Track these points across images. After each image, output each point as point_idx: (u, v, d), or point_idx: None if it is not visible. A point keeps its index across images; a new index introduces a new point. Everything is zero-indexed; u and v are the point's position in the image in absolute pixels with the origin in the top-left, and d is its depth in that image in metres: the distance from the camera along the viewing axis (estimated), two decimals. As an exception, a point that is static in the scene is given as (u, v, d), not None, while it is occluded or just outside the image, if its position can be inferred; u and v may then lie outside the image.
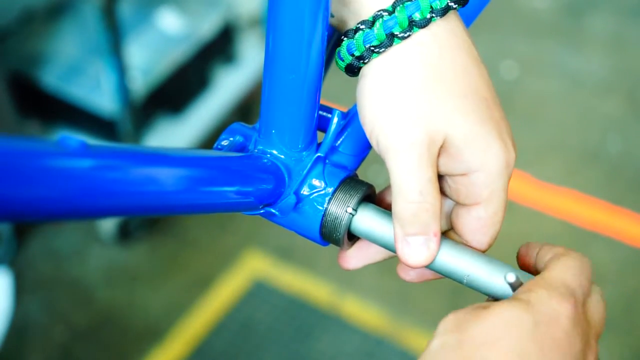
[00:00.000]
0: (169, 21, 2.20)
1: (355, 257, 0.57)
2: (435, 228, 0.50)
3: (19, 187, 0.36)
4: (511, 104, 2.58)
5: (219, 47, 2.30)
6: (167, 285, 2.08)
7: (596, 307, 0.49)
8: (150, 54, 2.12)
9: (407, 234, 0.50)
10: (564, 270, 0.48)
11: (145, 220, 2.15)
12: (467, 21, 0.61)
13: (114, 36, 1.87)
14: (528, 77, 2.73)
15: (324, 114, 0.57)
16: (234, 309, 2.01)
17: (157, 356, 1.92)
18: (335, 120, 0.55)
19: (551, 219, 2.24)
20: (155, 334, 1.96)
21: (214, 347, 1.93)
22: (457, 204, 0.53)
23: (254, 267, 2.11)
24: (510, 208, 2.23)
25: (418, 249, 0.51)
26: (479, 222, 0.52)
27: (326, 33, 0.51)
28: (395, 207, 0.50)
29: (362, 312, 1.99)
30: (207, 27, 2.23)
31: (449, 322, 0.47)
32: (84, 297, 2.04)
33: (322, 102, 0.56)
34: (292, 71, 0.51)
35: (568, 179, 2.37)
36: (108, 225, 2.11)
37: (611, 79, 2.74)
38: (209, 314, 2.00)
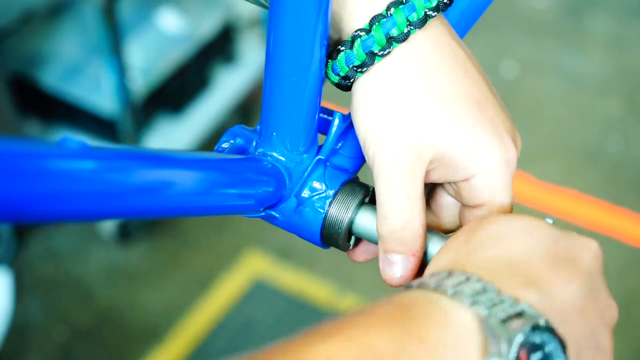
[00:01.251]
0: (169, 21, 2.20)
1: (365, 252, 0.57)
2: (414, 247, 0.50)
3: (19, 188, 0.36)
4: (511, 104, 2.58)
5: (219, 47, 2.30)
6: (167, 285, 2.08)
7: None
8: (150, 54, 2.12)
9: (386, 250, 0.51)
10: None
11: (145, 220, 2.15)
12: (468, 24, 0.61)
13: (114, 36, 1.87)
14: (528, 77, 2.73)
15: (325, 116, 0.57)
16: (234, 309, 2.01)
17: (157, 356, 1.92)
18: (336, 122, 0.55)
19: (551, 219, 2.24)
20: (155, 334, 1.96)
21: (214, 347, 1.93)
22: (463, 205, 0.53)
23: (254, 267, 2.11)
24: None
25: (395, 267, 0.51)
26: None
27: (327, 35, 0.51)
28: (377, 224, 0.51)
29: (362, 312, 1.99)
30: (207, 27, 2.23)
31: (466, 226, 0.48)
32: (84, 297, 2.04)
33: (323, 104, 0.56)
34: (293, 73, 0.51)
35: (568, 179, 2.37)
36: (108, 225, 2.11)
37: (611, 79, 2.74)
38: (209, 314, 2.00)
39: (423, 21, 0.49)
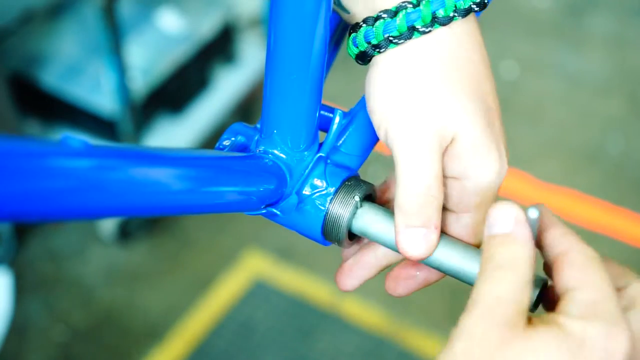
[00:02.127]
0: (169, 21, 2.20)
1: (351, 277, 0.58)
2: (437, 222, 0.50)
3: (21, 187, 0.36)
4: (511, 104, 2.58)
5: (219, 47, 2.30)
6: (167, 285, 2.08)
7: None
8: (150, 54, 2.12)
9: (409, 225, 0.50)
10: (605, 283, 0.42)
11: (146, 220, 2.15)
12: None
13: (114, 36, 1.87)
14: (528, 77, 2.73)
15: (326, 113, 0.57)
16: (234, 309, 2.01)
17: (157, 356, 1.92)
18: (337, 120, 0.55)
19: (551, 219, 2.24)
20: (155, 334, 1.96)
21: (214, 347, 1.93)
22: (445, 209, 0.53)
23: (254, 267, 2.11)
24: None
25: (418, 241, 0.50)
26: (466, 230, 0.52)
27: (328, 33, 0.51)
28: (400, 199, 0.50)
29: (362, 312, 1.99)
30: (207, 27, 2.23)
31: (482, 331, 0.41)
32: (84, 297, 2.04)
33: (324, 102, 0.56)
34: (294, 71, 0.51)
35: (568, 179, 2.37)
36: (108, 225, 2.11)
37: (611, 79, 2.74)
38: (209, 314, 2.00)
39: (467, 11, 0.49)
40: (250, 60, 2.39)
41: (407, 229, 0.50)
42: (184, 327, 1.97)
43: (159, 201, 0.45)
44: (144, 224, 2.16)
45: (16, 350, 1.93)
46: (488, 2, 0.50)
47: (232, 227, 2.19)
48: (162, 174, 0.45)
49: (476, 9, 0.50)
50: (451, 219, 0.52)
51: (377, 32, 0.50)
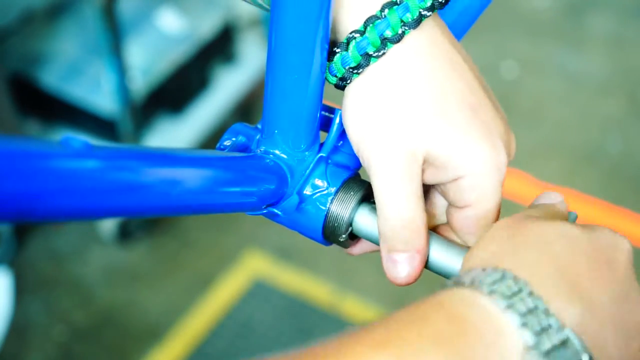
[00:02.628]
0: (169, 21, 2.20)
1: (359, 245, 0.58)
2: (418, 244, 0.50)
3: (22, 187, 0.36)
4: (511, 104, 2.58)
5: (219, 47, 2.30)
6: (167, 285, 2.08)
7: None
8: (150, 54, 2.12)
9: (390, 250, 0.51)
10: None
11: (146, 220, 2.16)
12: (467, 24, 0.61)
13: (114, 36, 1.87)
14: (528, 77, 2.73)
15: (327, 114, 0.57)
16: (234, 309, 2.01)
17: (157, 356, 1.92)
18: (338, 120, 0.55)
19: (551, 219, 2.24)
20: (155, 334, 1.96)
21: (214, 347, 1.93)
22: (449, 205, 0.53)
23: (254, 267, 2.11)
24: (511, 208, 2.23)
25: (400, 266, 0.51)
26: (468, 221, 0.52)
27: (329, 33, 0.51)
28: (378, 225, 0.51)
29: (362, 312, 1.99)
30: (207, 27, 2.23)
31: (503, 222, 0.48)
32: (84, 297, 2.04)
33: (325, 102, 0.56)
34: (295, 71, 0.51)
35: (568, 179, 2.37)
36: (108, 225, 2.11)
37: (611, 79, 2.74)
38: (209, 314, 2.00)
39: (417, 21, 0.49)
40: (250, 60, 2.39)
41: (389, 254, 0.51)
42: (184, 327, 1.97)
43: (160, 202, 0.45)
44: (144, 224, 2.16)
45: (16, 350, 1.93)
46: (444, 0, 0.50)
47: (232, 227, 2.19)
48: (162, 175, 0.45)
49: (429, 13, 0.49)
50: (455, 212, 0.53)
51: (337, 66, 0.51)
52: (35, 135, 2.17)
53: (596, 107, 2.63)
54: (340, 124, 0.55)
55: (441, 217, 0.56)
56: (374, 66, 0.50)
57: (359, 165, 0.57)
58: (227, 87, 2.33)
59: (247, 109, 2.41)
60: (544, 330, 0.40)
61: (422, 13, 0.49)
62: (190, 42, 2.18)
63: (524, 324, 0.40)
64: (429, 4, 0.49)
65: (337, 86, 0.52)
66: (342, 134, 0.57)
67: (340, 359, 0.38)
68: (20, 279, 2.04)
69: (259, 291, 2.05)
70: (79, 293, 2.05)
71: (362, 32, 0.49)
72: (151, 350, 1.93)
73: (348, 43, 0.50)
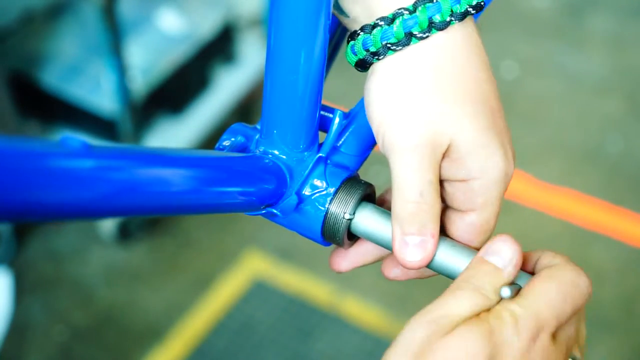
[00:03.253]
0: (169, 21, 2.20)
1: (346, 260, 0.57)
2: (434, 229, 0.50)
3: (21, 188, 0.36)
4: (511, 104, 2.58)
5: (219, 47, 2.30)
6: (167, 285, 2.08)
7: (572, 333, 0.48)
8: (150, 54, 2.12)
9: (405, 233, 0.50)
10: (542, 295, 0.46)
11: (146, 220, 2.15)
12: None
13: (114, 36, 1.87)
14: (528, 77, 2.73)
15: (326, 114, 0.57)
16: (234, 309, 2.01)
17: (157, 356, 1.92)
18: (337, 120, 0.55)
19: (551, 219, 2.24)
20: (155, 334, 1.96)
21: (214, 347, 1.93)
22: (451, 208, 0.53)
23: (254, 267, 2.11)
24: (511, 208, 2.23)
25: (415, 249, 0.50)
26: (470, 228, 0.52)
27: (328, 34, 0.51)
28: (395, 206, 0.50)
29: (362, 312, 1.99)
30: (207, 27, 2.23)
31: (414, 339, 0.46)
32: (84, 297, 2.05)
33: (324, 102, 0.56)
34: (294, 72, 0.51)
35: (568, 179, 2.37)
36: (108, 225, 2.11)
37: (611, 79, 2.74)
38: (209, 314, 2.00)
39: (464, 15, 0.49)
40: (250, 60, 2.39)
41: (403, 237, 0.51)
42: (184, 327, 1.97)
43: (159, 201, 0.45)
44: (144, 224, 2.16)
45: (16, 350, 1.93)
46: (485, 4, 0.50)
47: (232, 227, 2.19)
48: (161, 175, 0.45)
49: (473, 11, 0.50)
50: (456, 217, 0.52)
51: (375, 39, 0.50)
52: (35, 135, 2.17)
53: (596, 107, 2.63)
54: (340, 124, 0.55)
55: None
56: (414, 47, 0.49)
57: (358, 165, 0.57)
58: (227, 87, 2.33)
59: (247, 109, 2.41)
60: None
61: (469, 9, 0.49)
62: (190, 42, 2.18)
63: None
64: (474, 2, 0.50)
65: (361, 62, 0.51)
66: (341, 134, 0.57)
67: None
68: (20, 279, 2.04)
69: (259, 291, 2.05)
70: (79, 293, 2.05)
71: (411, 11, 0.49)
72: (151, 350, 1.93)
73: (394, 18, 0.49)
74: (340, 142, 0.57)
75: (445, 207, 0.54)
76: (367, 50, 0.50)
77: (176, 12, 2.23)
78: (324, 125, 0.56)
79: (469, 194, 0.51)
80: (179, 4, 2.25)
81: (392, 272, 0.57)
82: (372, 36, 0.50)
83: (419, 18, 0.49)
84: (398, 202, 0.50)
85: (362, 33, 0.50)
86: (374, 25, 0.50)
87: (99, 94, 2.04)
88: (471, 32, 0.51)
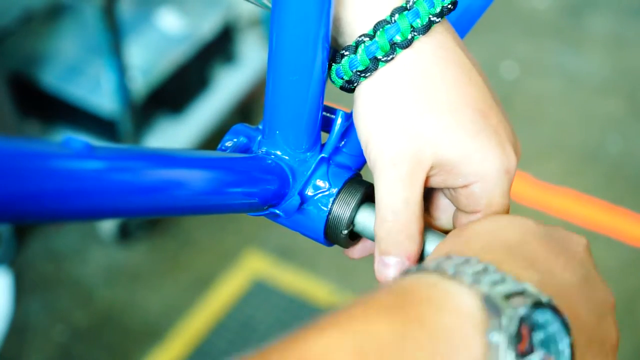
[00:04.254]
0: (169, 21, 2.20)
1: (361, 249, 0.57)
2: (410, 250, 0.50)
3: (23, 188, 0.36)
4: (511, 104, 2.58)
5: (219, 47, 2.30)
6: (167, 285, 2.08)
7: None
8: (150, 54, 2.12)
9: (382, 252, 0.50)
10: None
11: (146, 220, 2.16)
12: (467, 25, 0.61)
13: (114, 36, 1.87)
14: (528, 77, 2.73)
15: (328, 114, 0.57)
16: (234, 309, 2.01)
17: (157, 356, 1.92)
18: (339, 121, 0.55)
19: (551, 219, 2.24)
20: (155, 333, 1.96)
21: (214, 347, 1.93)
22: (458, 210, 0.53)
23: (254, 267, 2.11)
24: (510, 208, 2.23)
25: (389, 270, 0.50)
26: None
27: (329, 33, 0.51)
28: (375, 225, 0.51)
29: (362, 312, 1.99)
30: (207, 27, 2.23)
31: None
32: (84, 297, 2.05)
33: (326, 103, 0.56)
34: (296, 72, 0.51)
35: (568, 179, 2.37)
36: (108, 225, 2.11)
37: (611, 79, 2.74)
38: (209, 314, 2.00)
39: (427, 27, 0.49)
40: (250, 60, 2.39)
41: (380, 257, 0.51)
42: (184, 327, 1.97)
43: (161, 202, 0.45)
44: (144, 224, 2.16)
45: (16, 350, 1.93)
46: (453, 6, 0.50)
47: (232, 227, 2.19)
48: (164, 176, 0.45)
49: (438, 19, 0.49)
50: (465, 218, 0.52)
51: (345, 69, 0.50)
52: (35, 135, 2.17)
53: (596, 107, 2.63)
54: (342, 124, 0.55)
55: (444, 221, 0.55)
56: (383, 70, 0.50)
57: (360, 165, 0.57)
58: (227, 87, 2.33)
59: (247, 109, 2.41)
60: (497, 283, 0.40)
61: (432, 19, 0.49)
62: (190, 42, 2.18)
63: (476, 281, 0.39)
64: (438, 10, 0.49)
65: (342, 88, 0.52)
66: (344, 135, 0.57)
67: (290, 349, 0.38)
68: (20, 279, 2.04)
69: (259, 291, 2.05)
70: (79, 293, 2.05)
71: (371, 37, 0.49)
72: (151, 350, 1.93)
73: (357, 47, 0.49)
74: (343, 143, 0.56)
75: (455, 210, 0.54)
76: (342, 79, 0.51)
77: (176, 12, 2.23)
78: (326, 125, 0.56)
79: (471, 197, 0.51)
80: (179, 4, 2.25)
81: (353, 253, 0.58)
82: (341, 66, 0.51)
83: (379, 43, 0.49)
84: (377, 221, 0.50)
85: (333, 64, 0.51)
86: (342, 55, 0.50)
87: (99, 94, 2.04)
88: (442, 40, 0.50)
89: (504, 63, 2.76)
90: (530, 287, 0.40)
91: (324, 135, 0.57)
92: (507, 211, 0.52)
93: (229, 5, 2.32)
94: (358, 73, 0.50)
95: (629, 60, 2.82)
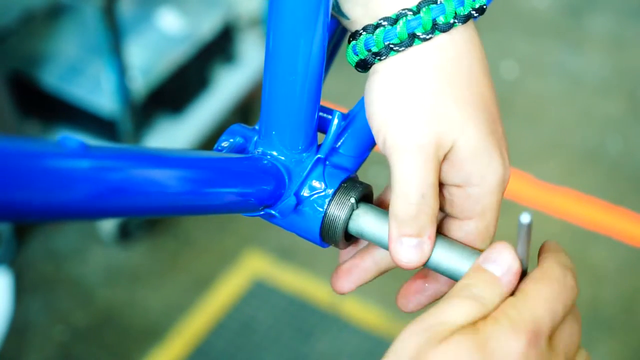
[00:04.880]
0: (169, 21, 2.20)
1: (347, 281, 0.57)
2: (431, 232, 0.50)
3: (18, 188, 0.36)
4: (511, 104, 2.58)
5: (219, 47, 2.30)
6: (167, 285, 2.08)
7: (567, 335, 0.47)
8: (150, 54, 2.12)
9: (403, 234, 0.50)
10: (538, 295, 0.45)
11: (146, 220, 2.16)
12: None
13: (114, 36, 1.87)
14: (528, 77, 2.73)
15: (324, 115, 0.57)
16: (234, 309, 2.01)
17: (157, 356, 1.92)
18: (336, 121, 0.55)
19: (551, 219, 2.24)
20: (155, 334, 1.96)
21: (214, 347, 1.93)
22: (448, 216, 0.53)
23: (254, 267, 2.11)
24: (510, 208, 2.23)
25: (411, 250, 0.50)
26: (469, 237, 0.52)
27: (327, 34, 0.51)
28: (394, 207, 0.50)
29: (362, 312, 1.99)
30: (207, 27, 2.23)
31: (408, 347, 0.45)
32: (84, 297, 2.05)
33: (323, 103, 0.56)
34: (293, 72, 0.51)
35: (568, 179, 2.37)
36: (108, 225, 2.11)
37: (611, 79, 2.74)
38: (209, 314, 2.00)
39: (467, 18, 0.49)
40: (250, 60, 2.39)
41: (400, 238, 0.50)
42: (184, 327, 1.97)
43: (156, 202, 0.45)
44: (143, 224, 2.16)
45: (16, 350, 1.93)
46: (486, 7, 0.50)
47: (232, 227, 2.19)
48: (159, 175, 0.45)
49: (476, 15, 0.50)
50: (454, 225, 0.52)
51: (378, 39, 0.49)
52: (35, 135, 2.17)
53: (596, 107, 2.63)
54: (338, 125, 0.55)
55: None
56: (417, 48, 0.49)
57: (356, 166, 0.57)
58: (227, 87, 2.33)
59: (247, 109, 2.41)
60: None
61: (472, 12, 0.49)
62: (190, 42, 2.18)
63: None
64: (477, 5, 0.49)
65: (362, 63, 0.51)
66: (340, 135, 0.57)
67: None
68: (20, 279, 2.04)
69: (259, 291, 2.05)
70: (79, 293, 2.05)
71: (415, 12, 0.49)
72: (151, 350, 1.93)
73: (397, 19, 0.49)
74: (339, 144, 0.56)
75: (442, 216, 0.53)
76: (369, 51, 0.50)
77: (176, 12, 2.23)
78: (322, 126, 0.56)
79: (467, 201, 0.50)
80: (179, 4, 2.25)
81: (408, 307, 0.57)
82: (374, 36, 0.49)
83: (423, 19, 0.48)
84: (399, 203, 0.49)
85: (364, 33, 0.50)
86: (377, 26, 0.49)
87: (99, 94, 2.05)
88: (473, 35, 0.51)
89: (504, 63, 2.76)
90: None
91: (321, 136, 0.57)
92: (495, 224, 0.51)
93: (229, 5, 2.32)
94: (390, 46, 0.49)
95: (629, 61, 2.82)
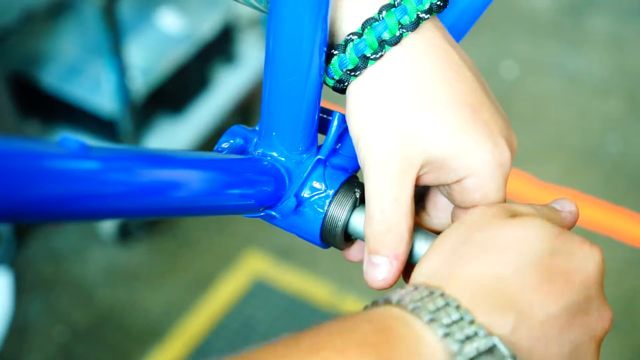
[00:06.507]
0: (169, 21, 2.20)
1: (360, 250, 0.57)
2: (398, 251, 0.50)
3: (18, 188, 0.36)
4: (511, 104, 2.58)
5: (219, 47, 2.30)
6: (167, 285, 2.08)
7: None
8: (150, 54, 2.12)
9: (370, 252, 0.50)
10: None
11: (146, 220, 2.15)
12: (467, 25, 0.61)
13: (114, 36, 1.87)
14: (528, 77, 2.73)
15: (325, 116, 0.57)
16: (234, 309, 2.01)
17: (157, 356, 1.92)
18: (336, 122, 0.55)
19: (551, 219, 2.24)
20: (155, 334, 1.96)
21: (214, 347, 1.93)
22: (456, 207, 0.53)
23: (254, 267, 2.11)
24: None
25: (377, 270, 0.50)
26: None
27: (327, 35, 0.51)
28: (364, 225, 0.51)
29: (362, 312, 1.99)
30: (207, 27, 2.23)
31: (456, 225, 0.47)
32: (84, 297, 2.05)
33: (323, 104, 0.56)
34: (293, 73, 0.51)
35: (568, 179, 2.37)
36: (108, 225, 2.11)
37: (611, 79, 2.74)
38: (209, 314, 2.00)
39: (415, 24, 0.49)
40: (250, 60, 2.39)
41: (368, 256, 0.51)
42: (184, 327, 1.97)
43: (156, 203, 0.45)
44: (144, 224, 2.16)
45: (16, 350, 1.93)
46: (443, 3, 0.50)
47: (232, 227, 2.19)
48: (159, 176, 0.45)
49: (427, 16, 0.49)
50: (460, 213, 0.52)
51: (335, 68, 0.51)
52: (35, 135, 2.17)
53: (596, 107, 2.63)
54: (338, 126, 0.55)
55: (442, 219, 0.55)
56: (372, 68, 0.50)
57: (356, 167, 0.57)
58: (227, 87, 2.33)
59: (246, 109, 2.41)
60: (468, 339, 0.41)
61: (420, 16, 0.49)
62: (190, 42, 2.18)
63: (447, 334, 0.41)
64: (427, 6, 0.49)
65: (334, 89, 0.52)
66: (340, 137, 0.57)
67: None
68: (20, 279, 2.04)
69: (259, 291, 2.05)
70: (79, 293, 2.05)
71: (359, 34, 0.49)
72: (151, 350, 1.93)
73: (346, 45, 0.50)
74: (339, 145, 0.56)
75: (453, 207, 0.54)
76: (333, 79, 0.51)
77: (176, 12, 2.23)
78: (323, 127, 0.56)
79: (465, 193, 0.50)
80: (179, 4, 2.25)
81: (350, 256, 0.57)
82: (331, 66, 0.51)
83: (367, 40, 0.49)
84: (366, 220, 0.50)
85: (325, 65, 0.51)
86: (331, 55, 0.51)
87: (99, 94, 2.04)
88: (430, 36, 0.50)
89: (504, 63, 2.76)
90: (500, 345, 0.41)
91: (321, 137, 0.57)
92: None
93: (229, 5, 2.32)
94: (348, 72, 0.50)
95: (629, 61, 2.82)
